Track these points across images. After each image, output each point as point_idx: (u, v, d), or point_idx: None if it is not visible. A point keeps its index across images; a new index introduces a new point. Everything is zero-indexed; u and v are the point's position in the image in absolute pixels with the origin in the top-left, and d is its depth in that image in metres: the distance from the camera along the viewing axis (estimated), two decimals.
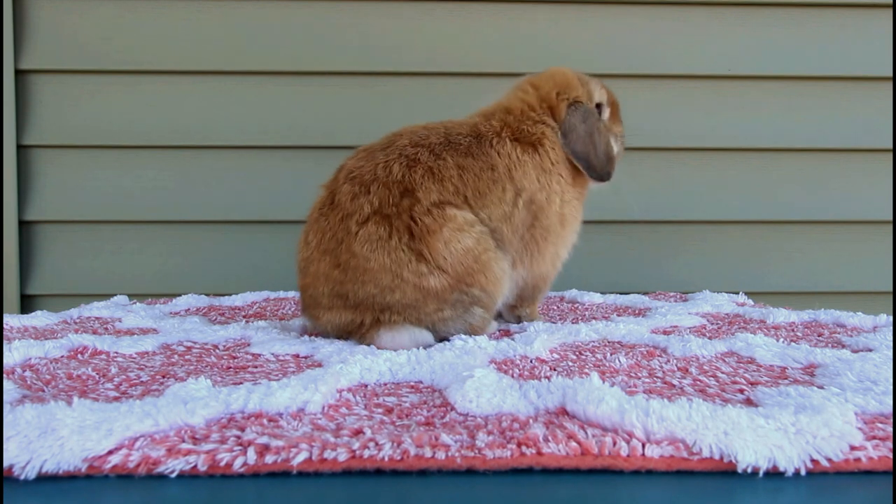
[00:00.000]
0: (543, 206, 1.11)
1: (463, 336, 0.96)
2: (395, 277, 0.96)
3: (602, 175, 1.16)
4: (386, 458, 0.49)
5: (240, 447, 0.50)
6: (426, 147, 1.04)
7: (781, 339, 0.98)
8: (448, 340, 0.97)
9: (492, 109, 1.18)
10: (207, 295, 1.69)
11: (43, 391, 0.69)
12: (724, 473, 0.49)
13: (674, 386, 0.70)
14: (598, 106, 1.21)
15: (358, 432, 0.53)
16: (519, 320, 1.23)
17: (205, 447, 0.50)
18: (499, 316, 1.24)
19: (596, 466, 0.49)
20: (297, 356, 0.89)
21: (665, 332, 1.07)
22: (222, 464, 0.49)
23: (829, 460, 0.49)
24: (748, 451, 0.49)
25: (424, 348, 0.88)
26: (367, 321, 0.99)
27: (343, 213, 1.00)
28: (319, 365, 0.81)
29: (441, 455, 0.49)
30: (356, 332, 1.00)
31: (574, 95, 1.17)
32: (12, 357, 0.83)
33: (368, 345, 0.96)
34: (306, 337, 1.03)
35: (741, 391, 0.67)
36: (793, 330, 1.10)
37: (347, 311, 0.99)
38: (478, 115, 1.18)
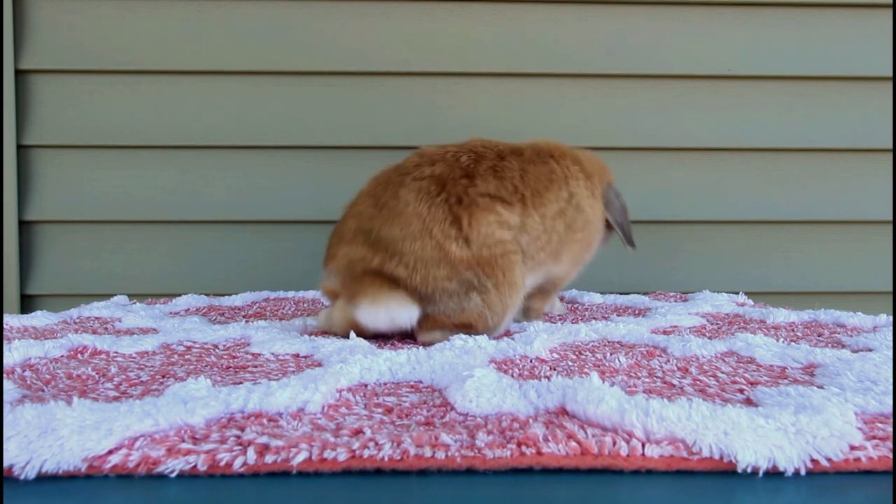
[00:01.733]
0: (589, 221, 1.21)
1: (463, 336, 0.96)
2: (425, 229, 1.00)
3: (630, 241, 1.32)
4: (386, 458, 0.49)
5: (240, 447, 0.50)
6: (493, 150, 1.13)
7: (781, 339, 0.98)
8: (429, 317, 1.00)
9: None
10: (207, 295, 1.69)
11: (43, 391, 0.69)
12: (724, 473, 0.49)
13: (674, 386, 0.70)
14: None
15: (358, 432, 0.53)
16: (526, 312, 1.25)
17: (205, 447, 0.50)
18: None
19: (596, 466, 0.49)
20: (297, 356, 0.89)
21: (665, 332, 1.07)
22: (222, 464, 0.49)
23: (829, 460, 0.49)
24: (748, 450, 0.49)
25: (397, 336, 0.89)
26: (375, 263, 1.00)
27: (403, 172, 1.07)
28: (319, 365, 0.81)
29: (441, 455, 0.49)
30: (358, 286, 1.01)
31: (609, 179, 1.33)
32: (12, 357, 0.83)
33: (352, 312, 1.00)
34: (306, 336, 1.03)
35: (741, 391, 0.67)
36: (793, 330, 1.10)
37: (365, 246, 1.02)
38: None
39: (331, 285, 1.10)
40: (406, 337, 1.07)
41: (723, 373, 0.76)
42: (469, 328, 1.01)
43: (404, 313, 0.99)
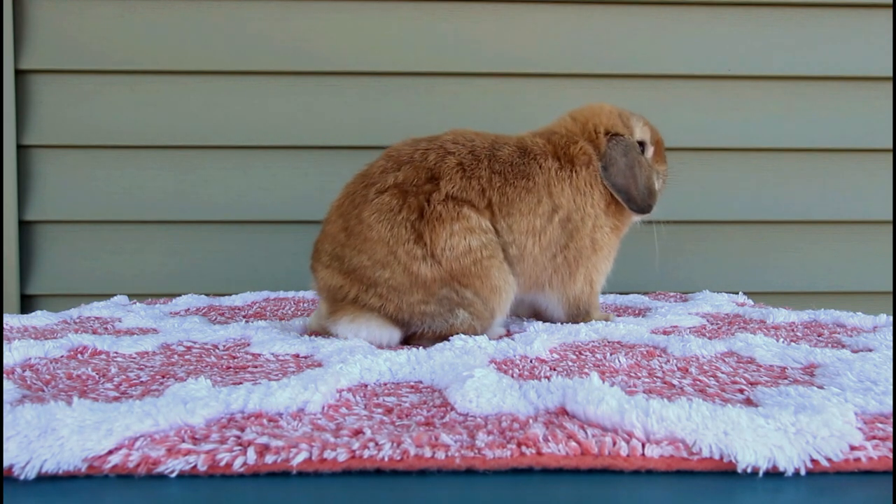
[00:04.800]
0: (578, 227, 1.11)
1: (463, 336, 0.96)
2: (390, 253, 0.98)
3: (643, 207, 1.16)
4: (386, 458, 0.49)
5: (240, 447, 0.50)
6: (467, 147, 1.07)
7: (781, 339, 0.98)
8: (415, 335, 1.01)
9: (538, 131, 1.21)
10: (207, 295, 1.69)
11: (43, 391, 0.69)
12: (724, 473, 0.49)
13: (674, 386, 0.70)
14: (641, 143, 1.22)
15: (358, 432, 0.53)
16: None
17: (205, 447, 0.50)
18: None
19: (596, 466, 0.49)
20: (297, 356, 0.89)
21: (665, 332, 1.07)
22: (222, 464, 0.49)
23: (829, 460, 0.49)
24: (748, 451, 0.49)
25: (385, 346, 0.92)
26: (352, 294, 1.00)
27: (368, 182, 1.04)
28: (319, 365, 0.81)
29: (441, 455, 0.49)
30: (339, 306, 1.02)
31: (615, 130, 1.19)
32: (12, 357, 0.83)
33: (333, 329, 1.02)
34: (306, 337, 1.03)
35: (741, 391, 0.67)
36: (793, 330, 1.10)
37: (340, 275, 1.02)
38: (526, 133, 1.20)
39: None
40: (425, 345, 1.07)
41: (723, 373, 0.76)
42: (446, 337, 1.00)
43: (384, 334, 1.00)
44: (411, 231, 0.98)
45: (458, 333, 1.00)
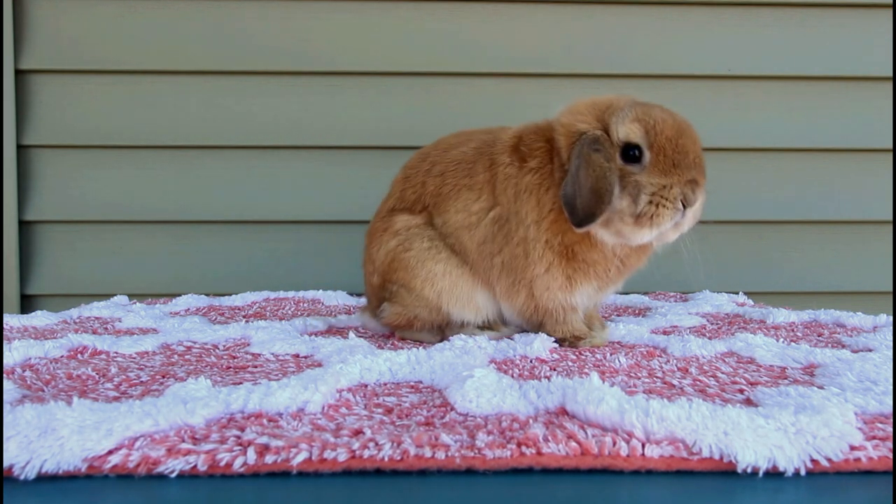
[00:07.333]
0: (511, 232, 0.98)
1: (463, 336, 0.96)
2: (365, 266, 1.16)
3: (581, 218, 0.90)
4: (386, 458, 0.49)
5: (240, 447, 0.50)
6: (441, 148, 1.12)
7: (781, 340, 0.98)
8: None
9: (529, 124, 1.08)
10: (207, 295, 1.69)
11: (43, 391, 0.69)
12: (724, 473, 0.49)
13: (674, 386, 0.70)
14: (631, 146, 0.93)
15: (358, 432, 0.53)
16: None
17: (205, 447, 0.50)
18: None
19: (596, 466, 0.49)
20: (297, 356, 0.89)
21: (665, 332, 1.07)
22: (222, 464, 0.49)
23: (829, 460, 0.49)
24: (748, 451, 0.49)
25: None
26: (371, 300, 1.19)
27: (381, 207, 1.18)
28: (319, 365, 0.81)
29: (441, 455, 0.49)
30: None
31: (578, 128, 0.95)
32: (12, 357, 0.83)
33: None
34: (306, 337, 1.03)
35: (741, 391, 0.67)
36: (793, 330, 1.10)
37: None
38: (520, 126, 1.08)
39: None
40: (405, 337, 1.07)
41: (723, 373, 0.76)
42: (404, 328, 1.08)
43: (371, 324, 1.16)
44: (366, 250, 1.15)
45: (395, 322, 1.07)
